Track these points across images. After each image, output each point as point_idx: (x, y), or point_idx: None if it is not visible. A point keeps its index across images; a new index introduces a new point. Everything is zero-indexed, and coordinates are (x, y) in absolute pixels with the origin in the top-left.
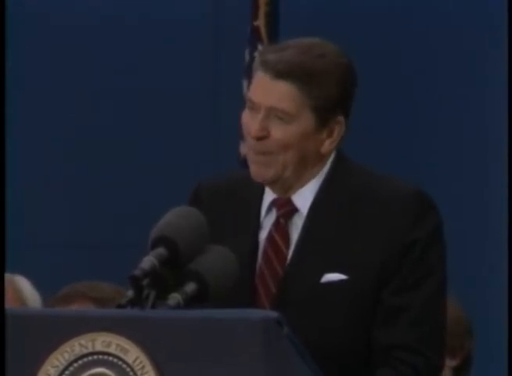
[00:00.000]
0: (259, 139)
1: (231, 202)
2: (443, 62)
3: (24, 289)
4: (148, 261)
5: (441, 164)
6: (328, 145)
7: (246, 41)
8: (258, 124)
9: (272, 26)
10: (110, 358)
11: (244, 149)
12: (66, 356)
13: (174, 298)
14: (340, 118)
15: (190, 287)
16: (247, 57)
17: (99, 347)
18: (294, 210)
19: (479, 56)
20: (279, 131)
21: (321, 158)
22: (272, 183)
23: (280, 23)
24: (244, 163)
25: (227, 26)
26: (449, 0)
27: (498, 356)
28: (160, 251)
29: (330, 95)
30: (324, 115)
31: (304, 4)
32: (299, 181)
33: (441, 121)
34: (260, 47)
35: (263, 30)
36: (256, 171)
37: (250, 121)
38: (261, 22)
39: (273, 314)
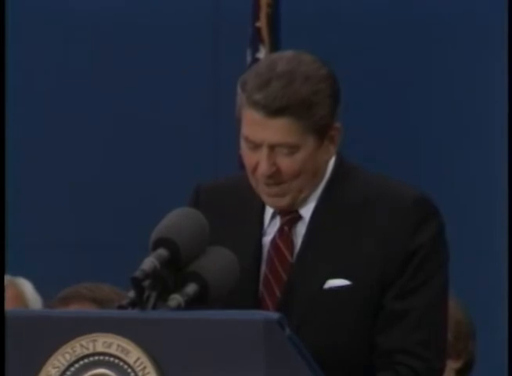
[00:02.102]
0: (270, 176)
1: (231, 205)
2: (444, 62)
3: (26, 291)
4: (149, 262)
5: (440, 164)
6: (332, 149)
7: (247, 42)
8: (266, 162)
9: (274, 28)
10: (111, 359)
11: (252, 182)
12: (68, 356)
13: (175, 299)
14: (337, 124)
15: (191, 288)
16: (249, 58)
17: (100, 348)
18: (298, 217)
19: (479, 57)
20: (287, 164)
21: (328, 162)
22: (289, 208)
23: (281, 25)
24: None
25: (226, 26)
26: (450, 1)
27: (498, 357)
28: (161, 252)
29: (326, 112)
30: (324, 131)
31: (306, 6)
32: (312, 191)
33: (440, 121)
34: (262, 48)
35: (265, 32)
36: (271, 202)
37: (252, 158)
38: (262, 23)
39: (274, 315)
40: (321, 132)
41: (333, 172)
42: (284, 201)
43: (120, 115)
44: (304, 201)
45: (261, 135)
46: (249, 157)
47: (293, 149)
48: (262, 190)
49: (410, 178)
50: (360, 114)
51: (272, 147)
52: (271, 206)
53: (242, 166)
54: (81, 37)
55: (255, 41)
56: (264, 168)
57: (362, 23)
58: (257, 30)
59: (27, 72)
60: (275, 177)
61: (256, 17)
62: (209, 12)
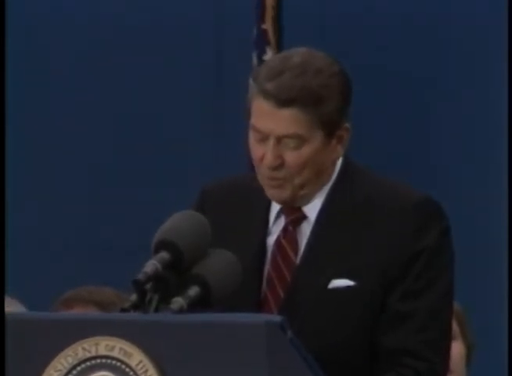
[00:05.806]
0: (274, 168)
1: (236, 204)
2: (444, 63)
3: None
4: (151, 265)
5: (440, 164)
6: (340, 150)
7: (252, 44)
8: (271, 153)
9: (278, 30)
10: (114, 362)
11: (258, 174)
12: (70, 359)
13: (178, 302)
14: (346, 125)
15: (193, 290)
16: (255, 60)
17: (102, 351)
18: (303, 217)
19: (479, 57)
20: (293, 157)
21: (334, 163)
22: (289, 203)
23: (285, 27)
24: (248, 167)
25: (228, 29)
26: (451, 1)
27: (498, 358)
28: (163, 255)
29: (335, 108)
30: (332, 128)
31: (309, 8)
32: (315, 190)
33: (439, 121)
34: (268, 50)
35: (271, 33)
36: (272, 194)
37: (259, 150)
38: (268, 25)
39: (276, 318)
40: (329, 129)
41: (340, 173)
42: (284, 194)
43: (120, 116)
44: (306, 198)
45: (269, 126)
46: (256, 148)
47: (299, 141)
48: (265, 182)
49: (409, 179)
50: (361, 114)
51: (279, 139)
52: (271, 198)
53: (246, 169)
54: (81, 37)
55: (261, 43)
56: (269, 159)
57: (363, 23)
58: (264, 32)
59: (27, 71)
60: (280, 170)
61: (262, 19)
62: (210, 15)
